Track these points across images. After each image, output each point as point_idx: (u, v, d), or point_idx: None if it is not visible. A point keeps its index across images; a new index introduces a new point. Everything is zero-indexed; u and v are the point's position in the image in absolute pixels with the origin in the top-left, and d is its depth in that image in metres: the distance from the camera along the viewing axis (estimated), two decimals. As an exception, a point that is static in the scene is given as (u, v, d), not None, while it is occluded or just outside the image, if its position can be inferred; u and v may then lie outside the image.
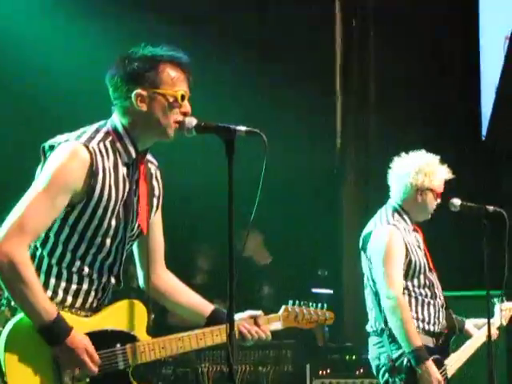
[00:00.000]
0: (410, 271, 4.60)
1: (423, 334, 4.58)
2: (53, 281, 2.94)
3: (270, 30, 8.30)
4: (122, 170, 3.00)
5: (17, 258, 2.75)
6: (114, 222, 2.98)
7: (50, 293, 2.91)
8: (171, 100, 2.95)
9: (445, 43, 8.66)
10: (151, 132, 3.03)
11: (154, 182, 3.21)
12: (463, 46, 8.92)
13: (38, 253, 2.94)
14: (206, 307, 3.30)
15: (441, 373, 4.49)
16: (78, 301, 2.97)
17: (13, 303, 2.87)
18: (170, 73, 2.98)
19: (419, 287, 4.65)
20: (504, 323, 4.89)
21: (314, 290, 7.27)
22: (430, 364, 4.37)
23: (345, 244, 7.35)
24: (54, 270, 2.94)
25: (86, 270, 2.98)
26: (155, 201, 3.20)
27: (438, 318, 4.66)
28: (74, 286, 2.95)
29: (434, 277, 4.75)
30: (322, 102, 8.07)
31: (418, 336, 4.39)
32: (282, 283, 7.37)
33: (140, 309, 3.10)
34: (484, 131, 9.35)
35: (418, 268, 4.61)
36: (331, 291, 7.19)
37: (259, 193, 2.86)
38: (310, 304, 3.50)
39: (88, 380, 2.90)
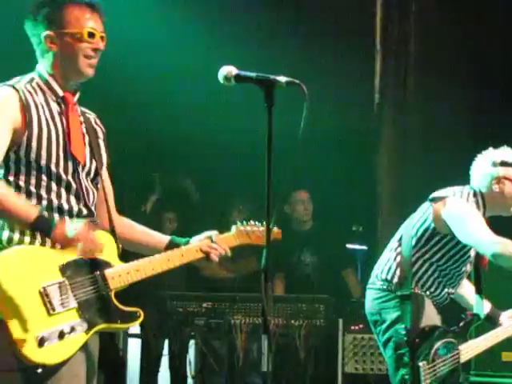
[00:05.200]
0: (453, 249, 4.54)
1: (438, 302, 4.60)
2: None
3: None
4: (55, 107, 3.15)
5: None
6: (61, 153, 3.11)
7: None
8: (78, 37, 3.09)
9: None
10: (68, 71, 3.16)
11: (97, 127, 3.37)
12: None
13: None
14: (162, 239, 3.51)
15: (452, 357, 4.44)
16: None
17: None
18: (76, 13, 3.11)
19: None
20: None
21: (349, 246, 7.27)
22: None
23: (380, 200, 7.33)
24: None
25: (56, 202, 3.10)
26: (101, 142, 3.36)
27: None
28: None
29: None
30: (361, 59, 7.97)
31: None
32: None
33: (109, 238, 3.23)
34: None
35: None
36: (366, 247, 7.18)
37: (299, 143, 2.88)
38: (257, 222, 3.75)
39: (76, 305, 3.01)
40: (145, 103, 7.69)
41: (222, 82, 2.98)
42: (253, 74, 2.95)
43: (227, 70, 2.96)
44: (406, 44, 7.81)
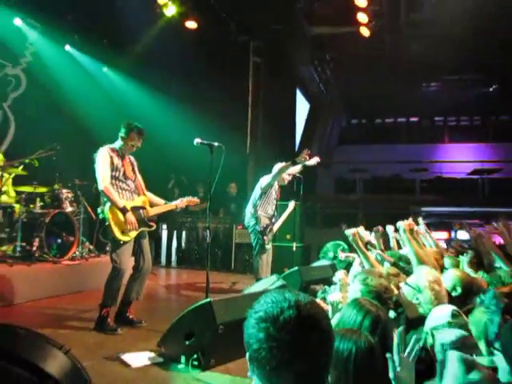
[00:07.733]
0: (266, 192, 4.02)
1: (268, 216, 4.00)
2: (117, 195, 2.92)
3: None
4: (119, 158, 2.98)
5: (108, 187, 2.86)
6: (122, 172, 2.96)
7: (118, 198, 2.91)
8: (132, 144, 2.95)
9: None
10: (125, 150, 2.98)
11: (134, 162, 3.11)
12: (291, 121, 8.58)
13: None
14: (161, 201, 3.20)
15: (271, 232, 3.99)
16: (127, 198, 2.98)
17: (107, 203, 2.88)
18: (134, 135, 2.95)
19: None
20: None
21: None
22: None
23: (248, 178, 7.05)
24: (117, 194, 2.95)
25: (128, 191, 2.99)
26: (136, 169, 3.11)
27: (273, 210, 4.08)
28: (123, 196, 2.95)
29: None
30: (243, 132, 7.12)
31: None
32: (237, 201, 6.73)
33: (145, 198, 3.09)
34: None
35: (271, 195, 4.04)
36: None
37: (219, 171, 2.74)
38: (195, 197, 3.30)
39: (137, 223, 2.92)
40: (163, 149, 6.57)
41: (195, 144, 2.69)
42: (206, 142, 2.67)
43: (196, 140, 2.67)
44: (257, 126, 7.30)
